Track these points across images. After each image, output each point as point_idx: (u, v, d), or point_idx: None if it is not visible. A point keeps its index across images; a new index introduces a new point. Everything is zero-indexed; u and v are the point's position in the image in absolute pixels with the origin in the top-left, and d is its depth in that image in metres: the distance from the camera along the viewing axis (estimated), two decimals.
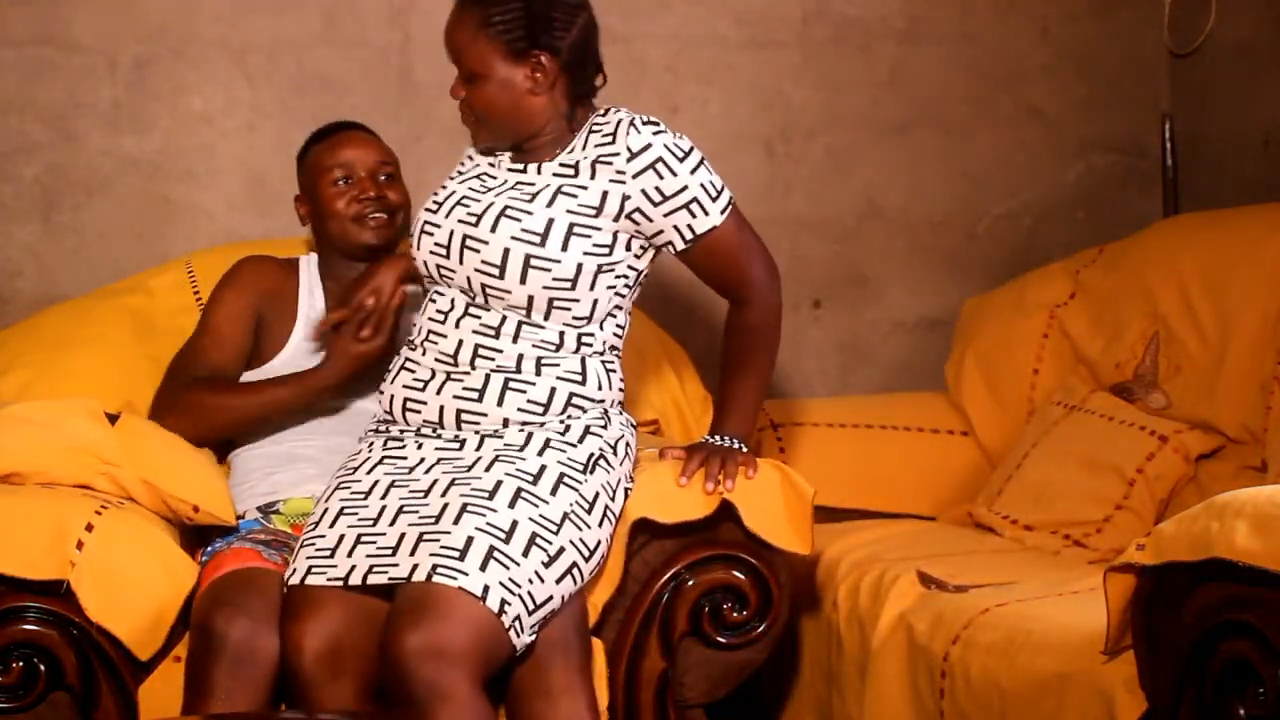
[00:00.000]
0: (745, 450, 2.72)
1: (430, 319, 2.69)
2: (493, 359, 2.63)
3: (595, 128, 2.66)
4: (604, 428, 2.66)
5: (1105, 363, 3.46)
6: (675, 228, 2.64)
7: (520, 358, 2.63)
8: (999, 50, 3.95)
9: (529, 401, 2.62)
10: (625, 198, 2.61)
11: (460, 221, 2.65)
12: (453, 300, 2.67)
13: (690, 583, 2.74)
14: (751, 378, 2.75)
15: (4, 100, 3.46)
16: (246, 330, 2.98)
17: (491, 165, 2.73)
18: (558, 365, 2.64)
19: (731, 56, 3.81)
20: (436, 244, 2.67)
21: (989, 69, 3.95)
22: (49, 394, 2.98)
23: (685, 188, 2.62)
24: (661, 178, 2.60)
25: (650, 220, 2.63)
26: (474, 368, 2.63)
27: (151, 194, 3.54)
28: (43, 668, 2.57)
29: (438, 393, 2.65)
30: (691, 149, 2.64)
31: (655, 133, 2.62)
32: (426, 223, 2.69)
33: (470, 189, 2.70)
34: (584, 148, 2.65)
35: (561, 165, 2.65)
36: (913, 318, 3.97)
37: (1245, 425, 3.17)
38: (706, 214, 2.64)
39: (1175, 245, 3.46)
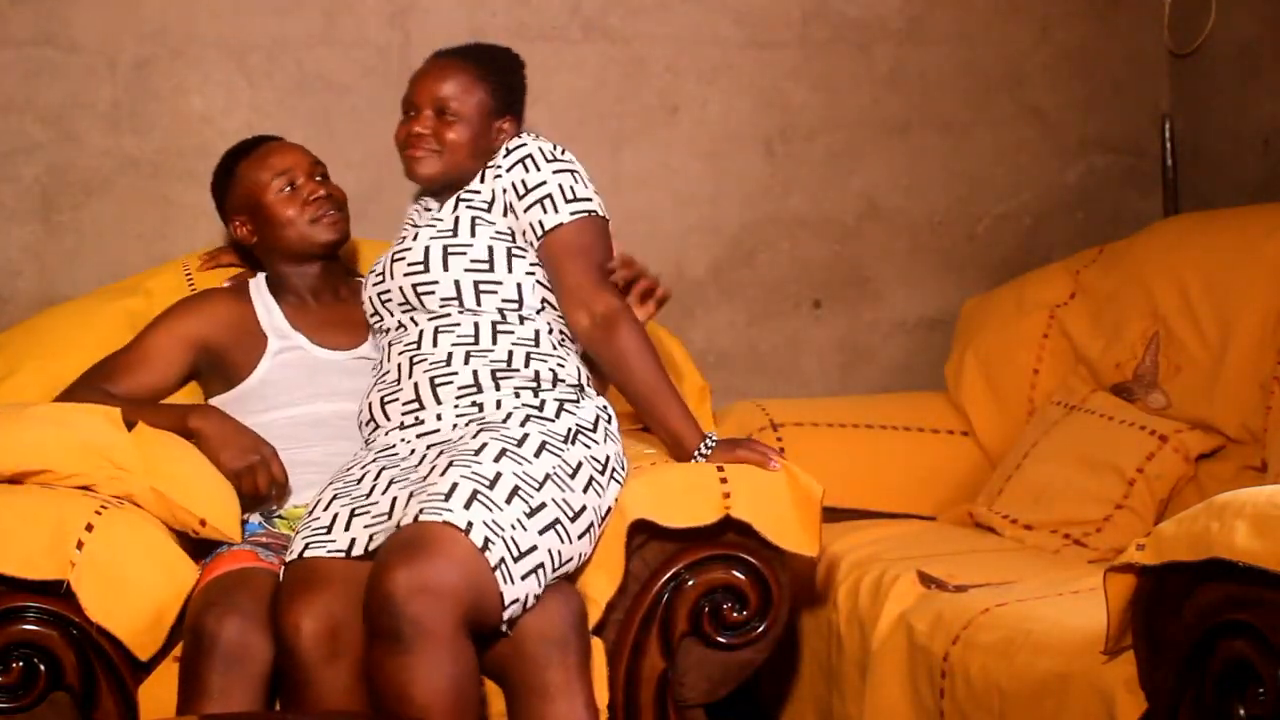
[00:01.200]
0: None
1: (389, 343, 2.83)
2: (452, 331, 2.76)
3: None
4: (577, 404, 2.74)
5: (1105, 363, 3.46)
6: (530, 225, 2.79)
7: (476, 326, 2.75)
8: (999, 50, 3.95)
9: (492, 360, 2.73)
10: (503, 191, 2.80)
11: (393, 251, 2.86)
12: (398, 321, 2.81)
13: (690, 583, 2.74)
14: (667, 393, 2.73)
15: (4, 100, 3.46)
16: (177, 362, 2.98)
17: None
18: (511, 333, 2.76)
19: (731, 56, 3.81)
20: (376, 276, 2.86)
21: (989, 69, 3.95)
22: (48, 397, 2.97)
23: (544, 183, 2.78)
24: (527, 171, 2.79)
25: (516, 216, 2.79)
26: (436, 345, 2.76)
27: (151, 194, 3.54)
28: (43, 668, 2.57)
29: (409, 377, 2.76)
30: (565, 157, 2.81)
31: (533, 140, 2.84)
32: (370, 272, 2.90)
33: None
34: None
35: (465, 190, 2.86)
36: (913, 318, 3.97)
37: (1245, 425, 3.17)
38: (556, 211, 2.77)
39: (1175, 245, 3.46)
